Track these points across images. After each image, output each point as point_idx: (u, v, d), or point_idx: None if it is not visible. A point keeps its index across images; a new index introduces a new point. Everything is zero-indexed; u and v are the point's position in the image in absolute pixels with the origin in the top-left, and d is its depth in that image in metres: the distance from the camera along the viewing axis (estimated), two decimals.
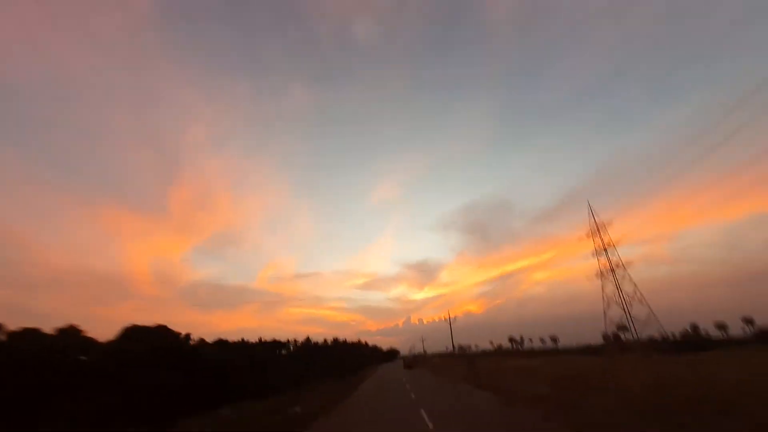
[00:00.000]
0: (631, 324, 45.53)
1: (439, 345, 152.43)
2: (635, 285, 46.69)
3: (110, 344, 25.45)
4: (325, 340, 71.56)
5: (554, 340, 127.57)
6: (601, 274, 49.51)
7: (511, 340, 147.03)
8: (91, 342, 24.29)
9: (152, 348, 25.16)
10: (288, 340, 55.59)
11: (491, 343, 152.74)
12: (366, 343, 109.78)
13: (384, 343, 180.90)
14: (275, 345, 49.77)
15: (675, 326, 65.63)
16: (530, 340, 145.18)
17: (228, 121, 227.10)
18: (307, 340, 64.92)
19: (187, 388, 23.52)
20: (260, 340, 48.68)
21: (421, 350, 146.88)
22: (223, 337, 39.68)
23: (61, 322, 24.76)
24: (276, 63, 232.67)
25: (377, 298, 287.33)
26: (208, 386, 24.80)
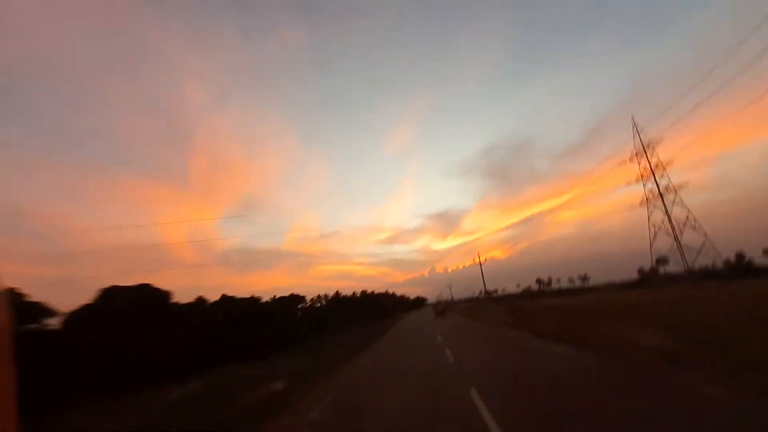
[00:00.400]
0: (681, 253, 38.78)
1: (465, 292, 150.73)
2: (688, 210, 39.28)
3: (84, 307, 21.44)
4: (354, 293, 68.96)
5: (584, 278, 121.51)
6: (647, 201, 42.10)
7: (539, 281, 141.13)
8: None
9: (127, 307, 20.92)
10: (312, 296, 53.70)
11: (518, 285, 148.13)
12: (393, 293, 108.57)
13: (412, 293, 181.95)
14: (293, 300, 46.31)
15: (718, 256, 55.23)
16: (558, 280, 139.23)
17: (226, 75, 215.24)
18: (336, 294, 62.89)
19: (169, 351, 19.26)
20: (275, 297, 45.17)
21: (449, 297, 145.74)
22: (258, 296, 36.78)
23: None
24: (265, 3, 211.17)
25: (402, 250, 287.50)
26: (195, 347, 20.50)
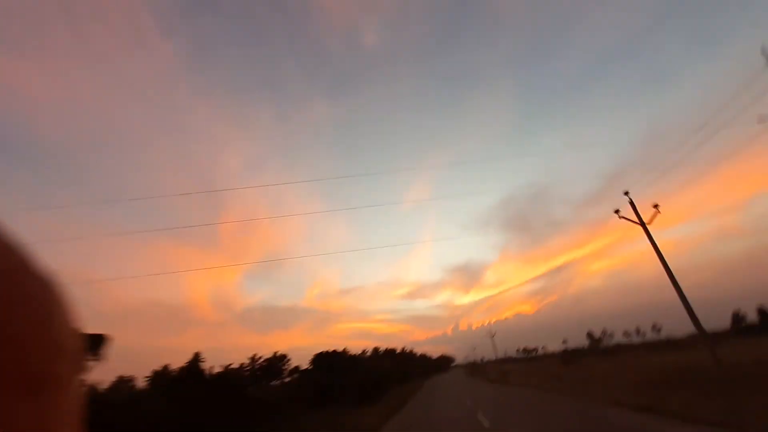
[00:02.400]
0: None
1: (490, 351, 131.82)
2: None
3: None
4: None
5: (656, 329, 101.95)
6: None
7: (590, 335, 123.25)
8: None
9: None
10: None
11: (564, 341, 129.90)
12: (411, 351, 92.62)
13: (434, 352, 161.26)
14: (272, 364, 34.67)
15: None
16: (611, 334, 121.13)
17: (258, 146, 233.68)
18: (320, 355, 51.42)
19: None
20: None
21: (478, 358, 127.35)
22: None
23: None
24: (294, 83, 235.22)
25: (423, 306, 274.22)
26: None
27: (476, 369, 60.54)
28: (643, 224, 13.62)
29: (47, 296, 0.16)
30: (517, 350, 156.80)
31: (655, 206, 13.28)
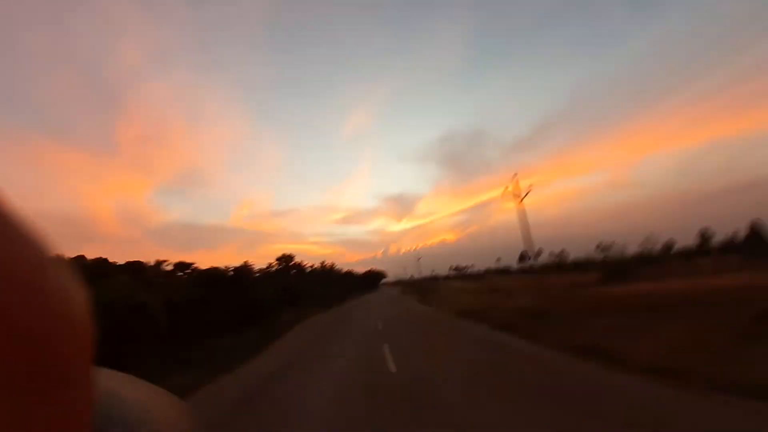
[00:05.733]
0: None
1: (415, 272, 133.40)
2: None
3: None
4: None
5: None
6: None
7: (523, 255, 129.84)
8: None
9: None
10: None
11: (498, 260, 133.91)
12: (331, 267, 79.55)
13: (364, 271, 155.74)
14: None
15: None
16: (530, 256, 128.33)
17: (172, 36, 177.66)
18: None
19: None
20: None
21: (411, 275, 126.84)
22: None
23: None
24: None
25: (357, 231, 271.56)
26: None
27: (415, 288, 48.95)
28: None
29: (67, 293, 0.16)
30: (450, 268, 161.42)
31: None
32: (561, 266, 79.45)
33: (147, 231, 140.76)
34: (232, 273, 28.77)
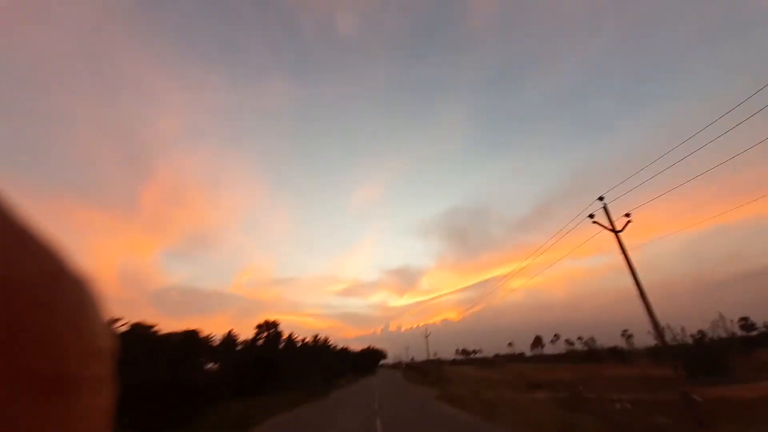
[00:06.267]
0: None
1: (419, 353, 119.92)
2: None
3: None
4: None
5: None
6: None
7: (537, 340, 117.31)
8: None
9: None
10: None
11: (510, 345, 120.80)
12: (324, 342, 68.44)
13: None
14: None
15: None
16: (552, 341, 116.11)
17: (203, 113, 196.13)
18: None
19: None
20: None
21: (409, 358, 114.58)
22: None
23: None
24: (255, 54, 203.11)
25: (357, 304, 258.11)
26: None
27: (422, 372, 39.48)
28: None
29: (82, 298, 0.16)
30: (456, 351, 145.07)
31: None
32: (591, 354, 68.14)
33: (145, 293, 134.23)
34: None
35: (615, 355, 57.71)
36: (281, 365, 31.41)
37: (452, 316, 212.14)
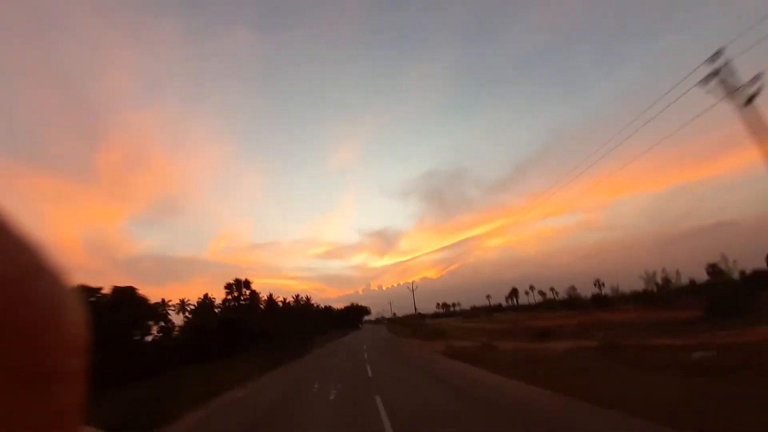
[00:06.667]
0: None
1: (399, 310, 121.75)
2: None
3: None
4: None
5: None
6: None
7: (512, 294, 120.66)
8: None
9: None
10: None
11: (487, 297, 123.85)
12: (307, 301, 65.81)
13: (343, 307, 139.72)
14: None
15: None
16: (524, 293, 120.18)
17: (160, 67, 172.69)
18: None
19: None
20: None
21: (391, 314, 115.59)
22: None
23: None
24: (216, 2, 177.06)
25: (337, 266, 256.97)
26: None
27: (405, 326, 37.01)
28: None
29: (60, 294, 0.16)
30: (437, 305, 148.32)
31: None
32: (573, 302, 69.14)
33: (115, 262, 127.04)
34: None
35: (599, 302, 57.80)
36: (255, 326, 27.77)
37: (431, 274, 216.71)
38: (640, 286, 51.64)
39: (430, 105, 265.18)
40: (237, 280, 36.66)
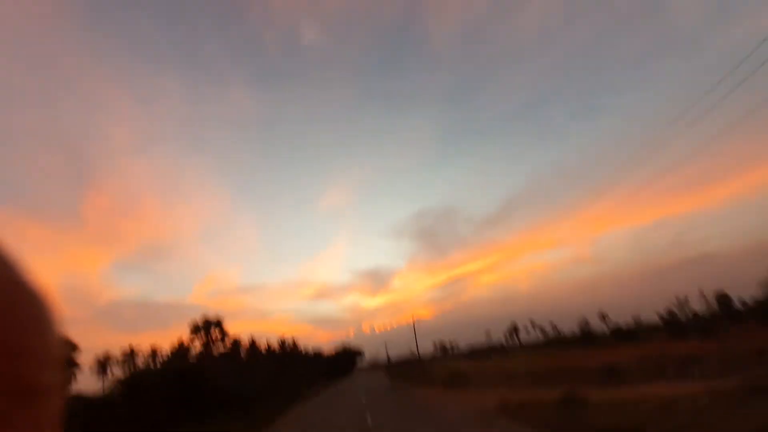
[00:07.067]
0: None
1: (394, 353, 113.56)
2: None
3: None
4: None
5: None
6: None
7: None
8: None
9: None
10: None
11: (488, 335, 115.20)
12: (292, 345, 57.69)
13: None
14: None
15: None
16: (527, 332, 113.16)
17: (157, 121, 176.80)
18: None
19: None
20: None
21: (385, 357, 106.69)
22: None
23: None
24: (215, 62, 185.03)
25: (328, 308, 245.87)
26: None
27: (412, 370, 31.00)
28: None
29: (37, 307, 0.16)
30: (434, 346, 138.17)
31: None
32: (587, 337, 63.02)
33: (94, 310, 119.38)
34: None
35: (620, 335, 52.22)
36: (224, 380, 21.45)
37: (425, 313, 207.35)
38: (646, 316, 48.67)
39: (420, 152, 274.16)
40: (207, 321, 30.24)
